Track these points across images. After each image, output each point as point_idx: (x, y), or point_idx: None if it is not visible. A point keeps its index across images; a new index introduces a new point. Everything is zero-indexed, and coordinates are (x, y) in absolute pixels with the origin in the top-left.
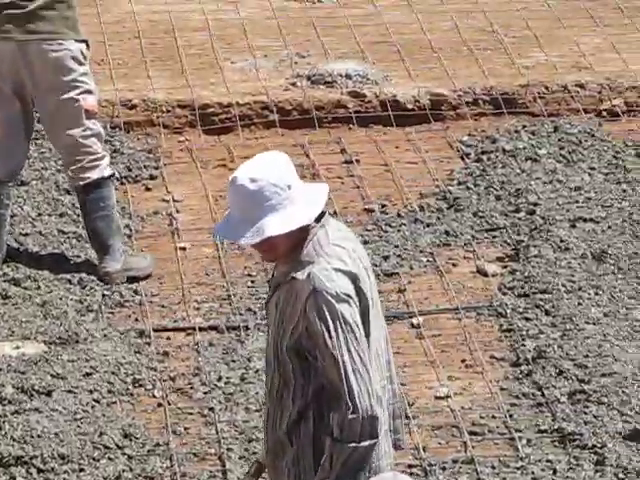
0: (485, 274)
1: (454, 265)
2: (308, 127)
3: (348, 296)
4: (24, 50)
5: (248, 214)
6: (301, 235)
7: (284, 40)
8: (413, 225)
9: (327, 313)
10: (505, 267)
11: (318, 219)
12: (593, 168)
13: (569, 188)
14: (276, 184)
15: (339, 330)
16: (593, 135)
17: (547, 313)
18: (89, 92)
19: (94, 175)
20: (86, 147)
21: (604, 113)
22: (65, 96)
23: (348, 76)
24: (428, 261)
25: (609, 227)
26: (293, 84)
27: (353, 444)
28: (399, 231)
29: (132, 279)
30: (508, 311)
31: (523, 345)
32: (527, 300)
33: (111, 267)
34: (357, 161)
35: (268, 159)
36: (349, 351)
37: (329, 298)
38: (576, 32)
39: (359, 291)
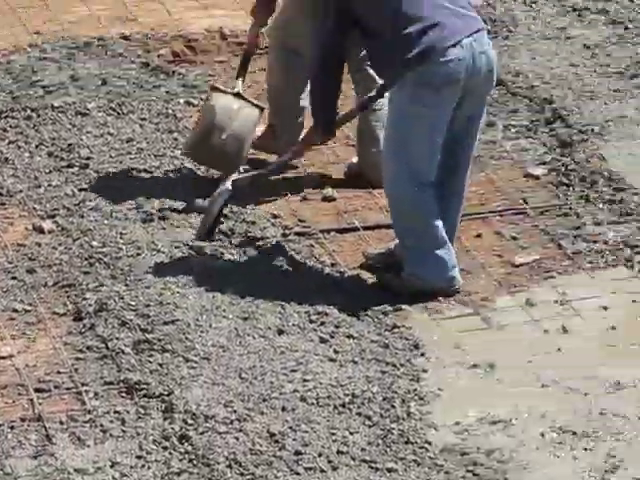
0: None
1: (11, 225)
2: None
3: None
4: None
5: None
6: None
7: None
8: None
9: None
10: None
11: None
12: (144, 119)
13: (121, 140)
14: None
15: None
16: (141, 86)
17: (107, 266)
18: None
19: None
20: None
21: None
22: None
23: None
24: None
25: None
26: None
27: None
28: None
29: None
30: (64, 266)
31: (84, 299)
32: (85, 255)
33: None
34: None
35: None
36: None
37: None
38: None
39: None
